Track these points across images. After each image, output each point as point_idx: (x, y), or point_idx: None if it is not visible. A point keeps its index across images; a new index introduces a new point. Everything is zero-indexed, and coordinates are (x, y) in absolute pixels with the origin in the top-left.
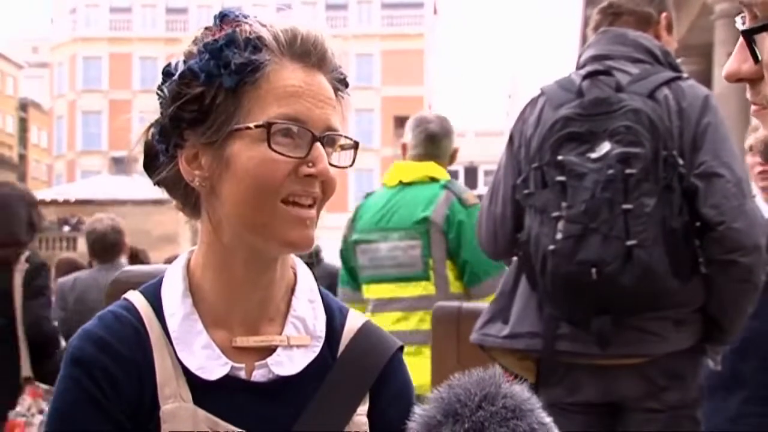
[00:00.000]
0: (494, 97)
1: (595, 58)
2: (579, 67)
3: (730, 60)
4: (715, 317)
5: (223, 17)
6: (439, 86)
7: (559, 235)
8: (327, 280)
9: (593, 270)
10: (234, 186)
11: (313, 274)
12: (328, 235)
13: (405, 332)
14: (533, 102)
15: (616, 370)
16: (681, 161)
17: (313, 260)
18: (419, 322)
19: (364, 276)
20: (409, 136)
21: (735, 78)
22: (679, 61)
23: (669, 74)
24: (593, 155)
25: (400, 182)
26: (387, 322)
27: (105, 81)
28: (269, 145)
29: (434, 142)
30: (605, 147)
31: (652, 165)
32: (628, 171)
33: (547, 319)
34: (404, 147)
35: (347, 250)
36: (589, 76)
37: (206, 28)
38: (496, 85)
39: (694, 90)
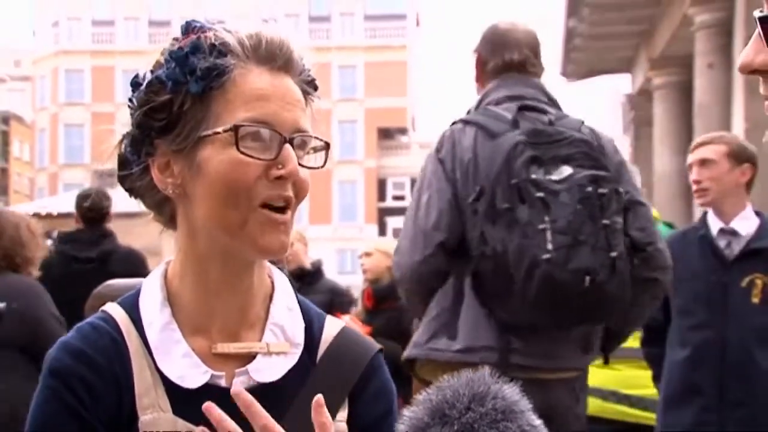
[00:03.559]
0: None
1: (510, 98)
2: (495, 104)
3: (745, 51)
4: (617, 330)
5: (187, 27)
6: (422, 97)
7: (550, 246)
8: (327, 296)
9: (587, 278)
10: (207, 191)
11: (314, 289)
12: (314, 246)
13: (633, 349)
14: (460, 130)
15: (552, 383)
16: (621, 189)
17: (315, 275)
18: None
19: None
20: None
21: (748, 70)
22: (659, 72)
23: (579, 117)
24: (554, 177)
25: None
26: (628, 341)
27: (87, 94)
28: (238, 148)
29: None
30: (566, 170)
31: (615, 188)
32: (600, 191)
33: (501, 333)
34: None
35: None
36: (522, 109)
37: (174, 39)
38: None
39: (601, 131)
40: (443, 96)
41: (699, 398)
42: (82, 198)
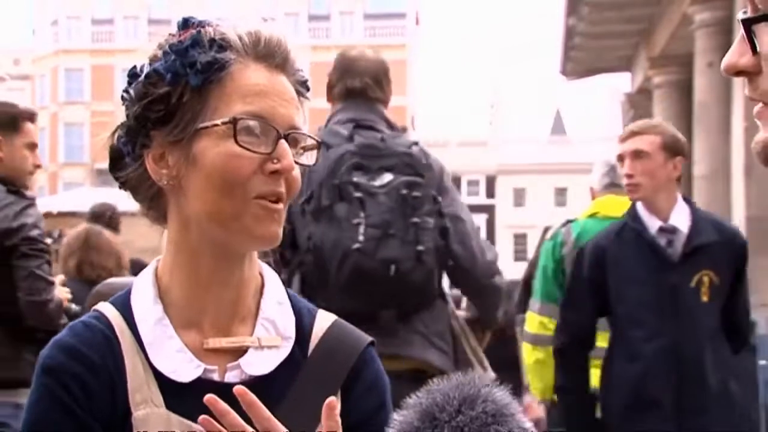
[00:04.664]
0: (477, 107)
1: (351, 120)
2: (338, 124)
3: (729, 52)
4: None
5: (185, 23)
6: (422, 96)
7: (361, 238)
8: None
9: (393, 266)
10: (202, 182)
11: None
12: None
13: None
14: None
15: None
16: (439, 198)
17: None
18: None
19: None
20: (594, 177)
21: (733, 71)
22: (659, 70)
23: (413, 139)
24: (377, 183)
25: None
26: None
27: (87, 93)
28: (235, 140)
29: (617, 179)
30: (387, 177)
31: (429, 193)
32: (414, 194)
33: None
34: (591, 189)
35: (557, 268)
36: (357, 127)
37: (170, 34)
38: (479, 95)
39: (430, 152)
40: (443, 95)
41: (656, 410)
42: (95, 218)
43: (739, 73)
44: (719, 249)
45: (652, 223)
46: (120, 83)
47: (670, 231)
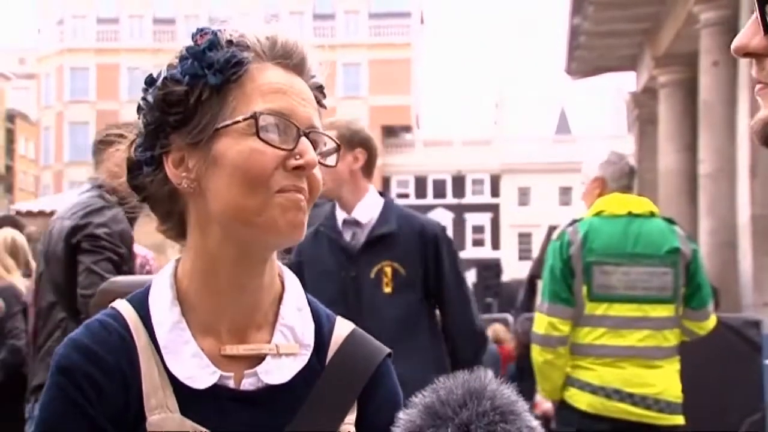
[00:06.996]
0: (481, 106)
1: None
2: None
3: (740, 33)
4: None
5: (200, 32)
6: (426, 95)
7: None
8: None
9: None
10: (224, 181)
11: None
12: None
13: (652, 348)
14: None
15: None
16: None
17: None
18: (663, 339)
19: (598, 294)
20: (609, 170)
21: (743, 52)
22: (664, 70)
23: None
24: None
25: (630, 213)
26: (633, 339)
27: (92, 92)
28: (258, 135)
29: (633, 175)
30: None
31: None
32: None
33: None
34: (603, 180)
35: (565, 268)
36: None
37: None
38: (483, 94)
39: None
40: (447, 94)
41: None
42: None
43: (747, 54)
44: (402, 240)
45: (340, 218)
46: (125, 82)
47: (352, 223)
